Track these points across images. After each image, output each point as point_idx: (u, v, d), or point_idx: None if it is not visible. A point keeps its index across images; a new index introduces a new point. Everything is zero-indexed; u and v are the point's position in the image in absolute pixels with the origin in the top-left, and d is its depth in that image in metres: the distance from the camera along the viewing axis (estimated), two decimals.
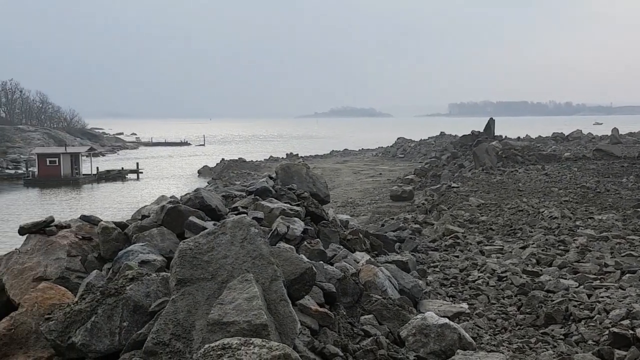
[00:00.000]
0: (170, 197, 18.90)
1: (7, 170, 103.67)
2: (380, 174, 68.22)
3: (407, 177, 57.55)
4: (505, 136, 65.00)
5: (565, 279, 17.86)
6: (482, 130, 61.49)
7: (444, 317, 10.86)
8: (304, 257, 9.72)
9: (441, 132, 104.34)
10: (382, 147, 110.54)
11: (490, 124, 62.23)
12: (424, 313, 10.39)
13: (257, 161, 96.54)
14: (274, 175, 21.16)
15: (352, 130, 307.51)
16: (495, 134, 62.06)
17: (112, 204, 63.29)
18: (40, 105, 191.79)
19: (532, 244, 22.99)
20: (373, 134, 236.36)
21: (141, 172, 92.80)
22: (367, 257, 16.58)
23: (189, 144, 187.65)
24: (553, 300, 15.52)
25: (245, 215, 8.71)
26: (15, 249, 17.98)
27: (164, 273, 8.97)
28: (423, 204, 38.59)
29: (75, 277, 15.99)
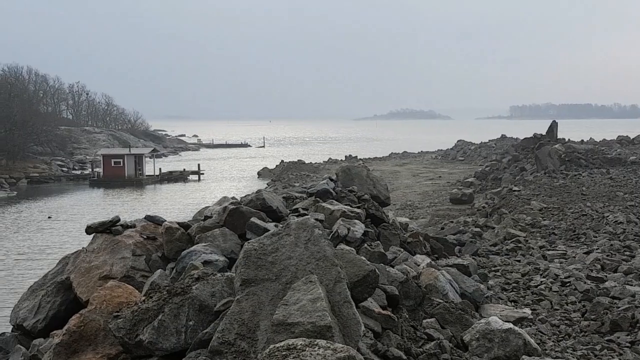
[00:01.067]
0: (232, 198, 19.14)
1: (73, 171, 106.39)
2: (440, 176, 67.68)
3: (467, 180, 57.00)
4: (569, 139, 63.68)
5: (632, 285, 17.45)
6: (544, 133, 60.37)
7: (507, 322, 10.72)
8: (365, 259, 9.71)
9: (502, 135, 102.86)
10: (441, 150, 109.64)
11: (553, 127, 61.08)
12: (487, 317, 10.28)
13: (316, 163, 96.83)
14: (334, 177, 21.21)
15: (411, 132, 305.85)
16: (558, 137, 60.91)
17: (173, 205, 64.32)
18: (106, 108, 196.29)
19: (597, 249, 22.53)
20: (432, 136, 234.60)
21: (202, 174, 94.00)
22: (428, 260, 16.48)
23: (249, 146, 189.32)
24: (619, 307, 15.18)
25: (309, 216, 8.76)
26: (83, 248, 18.44)
27: (228, 273, 9.09)
28: (483, 207, 38.18)
29: (139, 276, 16.33)
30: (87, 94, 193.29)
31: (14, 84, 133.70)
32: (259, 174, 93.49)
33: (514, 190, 39.54)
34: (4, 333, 18.36)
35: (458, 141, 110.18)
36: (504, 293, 18.01)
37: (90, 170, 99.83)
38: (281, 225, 15.50)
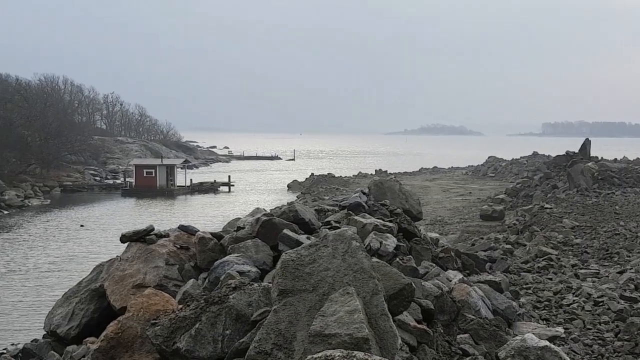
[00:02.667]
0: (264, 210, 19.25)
1: (106, 180, 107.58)
2: (470, 192, 67.34)
3: (498, 196, 56.64)
4: (602, 157, 63.04)
5: None
6: (577, 151, 59.84)
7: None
8: (401, 273, 9.72)
9: (534, 152, 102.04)
10: (472, 166, 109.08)
11: (586, 145, 60.53)
12: (522, 335, 10.20)
13: (345, 176, 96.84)
14: (366, 191, 21.24)
15: (441, 147, 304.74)
16: (591, 155, 60.33)
17: (204, 216, 64.71)
18: (139, 118, 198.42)
19: (630, 268, 22.24)
20: (463, 152, 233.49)
21: (233, 185, 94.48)
22: (460, 275, 16.41)
23: (280, 158, 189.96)
24: None
25: (346, 228, 8.80)
26: (117, 256, 18.67)
27: (265, 283, 9.15)
28: (514, 224, 37.91)
29: (172, 285, 16.48)
30: (121, 104, 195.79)
31: (50, 93, 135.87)
32: (288, 186, 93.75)
33: (546, 208, 39.22)
34: (37, 339, 18.63)
35: (489, 157, 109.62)
36: (536, 311, 17.88)
37: (122, 180, 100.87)
38: (313, 238, 15.61)
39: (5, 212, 69.12)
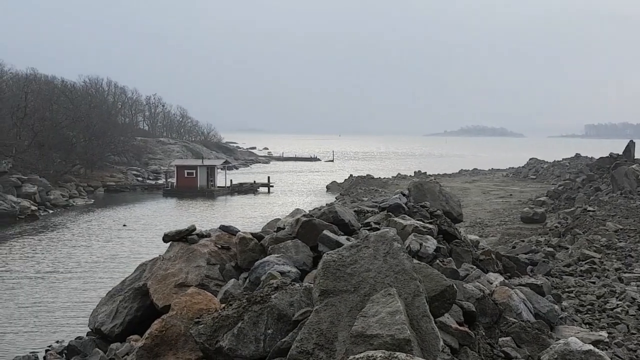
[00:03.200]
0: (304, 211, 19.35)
1: (148, 181, 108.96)
2: (511, 194, 66.68)
3: (539, 198, 55.99)
4: None
5: None
6: (621, 153, 58.84)
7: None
8: (443, 274, 9.71)
9: (576, 154, 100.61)
10: (513, 168, 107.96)
11: (630, 147, 59.52)
12: (565, 338, 10.12)
13: (384, 178, 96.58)
14: (406, 192, 21.20)
15: (482, 149, 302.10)
16: (635, 157, 59.27)
17: (243, 217, 65.13)
18: (180, 119, 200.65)
19: None
20: (504, 153, 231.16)
21: (272, 186, 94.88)
22: (501, 278, 16.29)
23: (319, 160, 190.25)
24: None
25: (388, 229, 8.82)
26: (159, 255, 18.96)
27: (306, 283, 9.22)
28: (556, 227, 37.46)
29: (213, 285, 16.67)
30: (163, 105, 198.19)
31: (94, 95, 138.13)
32: (327, 187, 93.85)
33: (589, 211, 38.69)
34: (81, 337, 19.00)
35: (530, 159, 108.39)
36: (578, 315, 17.67)
37: (164, 180, 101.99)
38: (353, 239, 15.64)
39: (51, 211, 70.45)
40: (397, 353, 6.35)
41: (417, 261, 13.17)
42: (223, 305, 9.55)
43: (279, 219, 20.80)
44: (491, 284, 15.21)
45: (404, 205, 19.25)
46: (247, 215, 65.52)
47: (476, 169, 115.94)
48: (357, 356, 6.29)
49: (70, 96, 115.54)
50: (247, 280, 14.59)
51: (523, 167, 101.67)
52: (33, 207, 67.53)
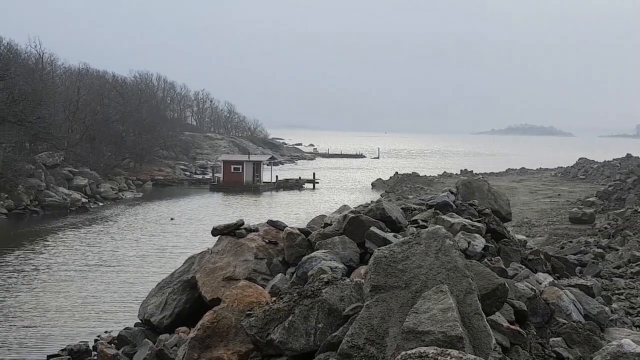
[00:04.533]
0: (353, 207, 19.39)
1: (195, 175, 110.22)
2: (559, 194, 65.75)
3: (588, 199, 55.10)
4: None
5: None
6: None
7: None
8: (495, 273, 9.64)
9: (627, 154, 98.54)
10: (561, 167, 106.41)
11: None
12: (618, 340, 9.96)
13: (430, 176, 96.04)
14: (454, 190, 21.09)
15: (529, 148, 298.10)
16: None
17: (288, 212, 65.40)
18: (228, 115, 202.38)
19: None
20: (552, 153, 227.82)
21: (317, 182, 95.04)
22: (550, 278, 16.10)
23: (364, 157, 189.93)
24: None
25: (439, 227, 8.81)
26: (208, 249, 19.21)
27: (357, 279, 9.26)
28: (605, 228, 36.85)
29: (261, 279, 16.82)
30: (211, 101, 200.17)
31: (144, 90, 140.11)
32: (372, 185, 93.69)
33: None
34: (129, 327, 19.34)
35: (579, 159, 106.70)
36: (629, 317, 17.37)
37: (211, 175, 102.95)
38: (400, 236, 15.62)
39: (100, 203, 71.72)
40: (450, 350, 6.34)
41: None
42: (274, 298, 9.64)
43: (324, 216, 20.87)
44: (540, 284, 15.05)
45: (452, 203, 19.15)
46: (292, 212, 65.75)
47: (524, 168, 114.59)
48: (408, 352, 6.30)
49: (121, 91, 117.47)
50: (294, 275, 14.69)
51: (572, 166, 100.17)
52: (83, 200, 68.83)
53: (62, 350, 19.83)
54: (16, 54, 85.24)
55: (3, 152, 62.41)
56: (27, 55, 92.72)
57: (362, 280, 8.71)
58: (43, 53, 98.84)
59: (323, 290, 8.78)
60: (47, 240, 47.80)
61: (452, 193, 20.50)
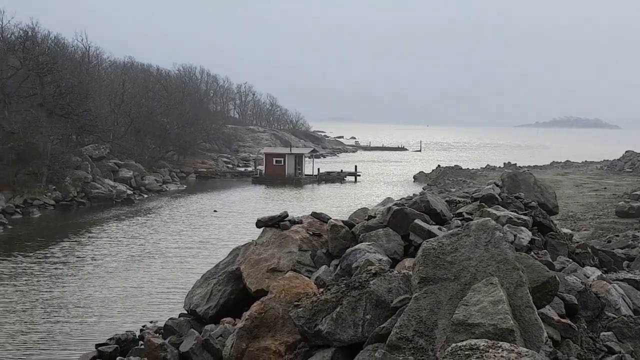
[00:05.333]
0: (398, 200, 19.32)
1: (237, 168, 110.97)
2: (605, 188, 64.60)
3: (636, 192, 54.00)
4: None
5: None
6: None
7: None
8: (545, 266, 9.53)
9: None
10: (607, 160, 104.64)
11: None
12: None
13: (473, 169, 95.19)
14: (499, 183, 20.87)
15: (574, 141, 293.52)
16: None
17: (330, 205, 65.43)
18: (270, 108, 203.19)
19: None
20: (598, 146, 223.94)
21: (359, 175, 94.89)
22: (598, 272, 15.84)
23: (406, 149, 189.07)
24: None
25: (489, 218, 8.73)
26: (252, 241, 19.33)
27: (404, 271, 9.24)
28: None
29: (305, 271, 16.87)
30: (253, 94, 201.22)
31: (188, 83, 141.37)
32: (415, 178, 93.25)
33: None
34: (174, 318, 19.58)
35: (626, 152, 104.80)
36: None
37: (253, 167, 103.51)
38: (445, 229, 15.52)
39: (145, 195, 72.69)
40: (501, 342, 6.29)
41: None
42: (321, 289, 9.66)
43: (366, 209, 20.84)
44: (588, 278, 14.83)
45: (497, 196, 18.97)
46: (334, 204, 65.76)
47: (569, 161, 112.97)
48: (459, 344, 6.26)
49: (165, 84, 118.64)
50: (338, 267, 14.70)
51: (619, 159, 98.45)
52: (129, 192, 69.83)
53: (110, 339, 20.15)
54: (63, 47, 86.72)
55: (51, 144, 63.57)
56: (73, 49, 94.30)
57: (410, 272, 8.67)
58: (89, 47, 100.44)
59: (371, 282, 8.77)
60: (92, 232, 48.64)
61: (497, 186, 20.29)
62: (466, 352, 6.04)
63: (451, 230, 8.74)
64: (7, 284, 32.39)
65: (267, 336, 9.38)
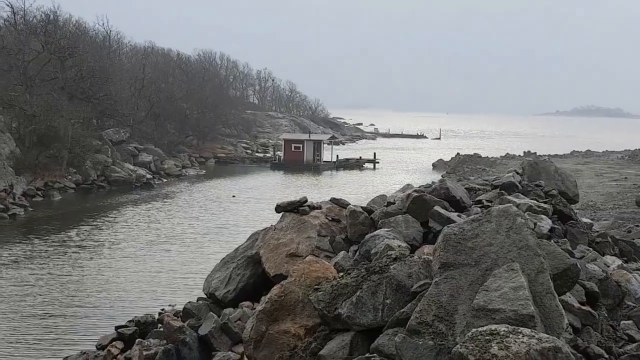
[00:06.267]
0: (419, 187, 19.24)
1: (256, 154, 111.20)
2: (626, 178, 64.08)
3: None
4: None
5: None
6: None
7: None
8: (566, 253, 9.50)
9: None
10: (629, 150, 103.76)
11: None
12: None
13: (492, 157, 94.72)
14: (520, 171, 20.74)
15: (595, 130, 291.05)
16: None
17: (348, 192, 65.45)
18: (289, 94, 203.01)
19: None
20: (619, 135, 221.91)
21: (378, 162, 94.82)
22: (619, 262, 15.76)
23: (425, 137, 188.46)
24: None
25: (510, 205, 8.70)
26: (272, 225, 19.38)
27: (425, 256, 9.24)
28: None
29: (323, 256, 16.89)
30: (273, 80, 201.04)
31: (208, 68, 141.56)
32: (434, 165, 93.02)
33: None
34: (191, 302, 19.73)
35: None
36: None
37: (272, 153, 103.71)
38: (464, 216, 15.47)
39: (164, 180, 73.12)
40: (521, 328, 6.29)
41: None
42: (341, 274, 9.70)
43: (384, 196, 20.81)
44: (608, 267, 14.76)
45: (517, 184, 18.85)
46: (352, 191, 65.79)
47: (589, 150, 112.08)
48: (479, 329, 6.28)
49: (185, 69, 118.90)
50: (357, 253, 14.72)
51: None
52: (148, 176, 70.25)
53: (129, 321, 20.36)
54: (84, 31, 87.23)
55: (71, 128, 64.05)
56: (95, 33, 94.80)
57: (430, 258, 8.68)
58: (110, 31, 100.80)
59: (391, 267, 8.79)
60: (112, 216, 49.05)
61: (517, 173, 20.17)
62: (486, 337, 6.06)
63: (472, 216, 8.72)
64: (27, 267, 32.80)
65: (286, 319, 9.44)
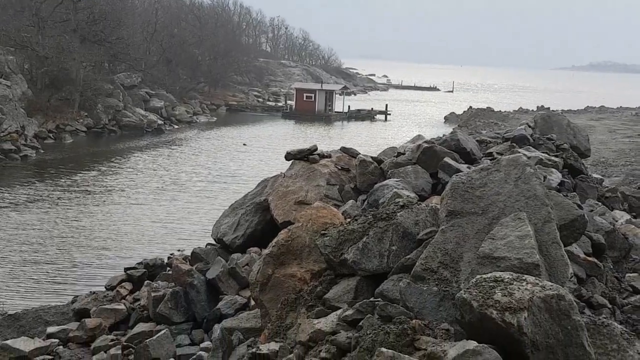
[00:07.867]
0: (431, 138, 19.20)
1: (268, 102, 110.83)
2: (639, 134, 63.56)
3: None
4: None
5: None
6: None
7: None
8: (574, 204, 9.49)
9: None
10: None
11: None
12: None
13: (505, 111, 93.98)
14: (532, 124, 20.63)
15: (611, 86, 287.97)
16: None
17: (359, 144, 65.31)
18: (302, 43, 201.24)
19: None
20: (634, 91, 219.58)
21: (389, 114, 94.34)
22: (627, 216, 15.75)
23: (438, 90, 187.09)
24: None
25: (520, 154, 8.67)
26: (281, 173, 19.43)
27: (432, 204, 9.26)
28: None
29: (332, 205, 16.91)
30: (286, 28, 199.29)
31: (220, 14, 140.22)
32: (445, 118, 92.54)
33: None
34: (200, 247, 19.93)
35: None
36: None
37: (283, 102, 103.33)
38: (474, 168, 15.44)
39: (175, 126, 73.15)
40: (526, 276, 6.32)
41: None
42: (348, 220, 9.74)
43: (394, 147, 20.75)
44: (616, 221, 14.75)
45: (529, 137, 18.76)
46: (363, 142, 65.63)
47: (603, 106, 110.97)
48: (483, 276, 6.31)
49: (198, 14, 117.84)
50: (366, 202, 14.76)
51: None
52: (159, 122, 70.26)
53: (138, 263, 20.61)
54: None
55: (83, 71, 63.87)
56: None
57: (438, 206, 8.69)
58: None
59: (398, 214, 8.81)
60: (122, 161, 49.24)
61: (529, 127, 20.06)
62: (490, 284, 6.09)
63: (481, 165, 8.70)
64: (38, 211, 33.07)
65: (293, 263, 9.52)
